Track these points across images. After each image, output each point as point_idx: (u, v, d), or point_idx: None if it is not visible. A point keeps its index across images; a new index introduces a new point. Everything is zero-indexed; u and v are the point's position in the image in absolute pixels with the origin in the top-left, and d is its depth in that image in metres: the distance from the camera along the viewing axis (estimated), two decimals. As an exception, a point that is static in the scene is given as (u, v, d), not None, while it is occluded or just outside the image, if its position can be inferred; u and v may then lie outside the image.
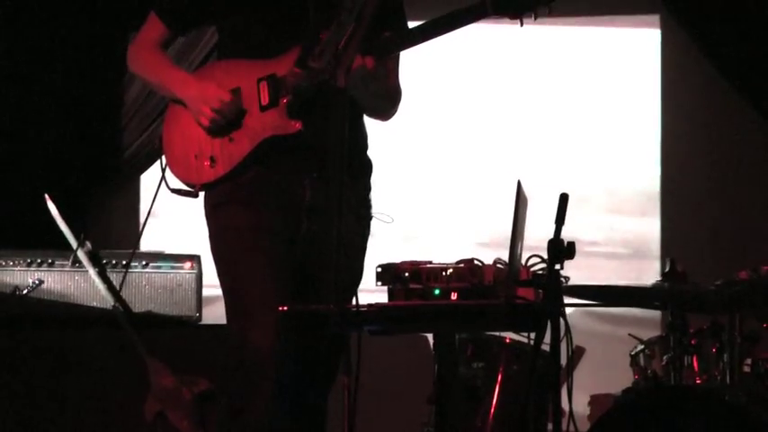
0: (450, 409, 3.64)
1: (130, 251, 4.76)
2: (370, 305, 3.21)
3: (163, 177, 3.65)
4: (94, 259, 4.64)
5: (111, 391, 4.33)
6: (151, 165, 6.29)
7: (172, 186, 3.65)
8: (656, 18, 6.33)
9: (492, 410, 4.15)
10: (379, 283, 3.33)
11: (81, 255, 4.64)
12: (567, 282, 3.22)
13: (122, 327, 4.24)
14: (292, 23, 3.54)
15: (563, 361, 3.27)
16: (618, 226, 6.38)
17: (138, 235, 5.66)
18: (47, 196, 4.62)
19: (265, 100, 3.53)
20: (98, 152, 6.48)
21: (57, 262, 4.92)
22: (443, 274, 3.28)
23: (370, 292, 3.33)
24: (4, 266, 4.95)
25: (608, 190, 6.38)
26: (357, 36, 3.38)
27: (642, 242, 6.34)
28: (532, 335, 3.40)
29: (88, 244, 4.67)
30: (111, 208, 6.56)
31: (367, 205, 3.67)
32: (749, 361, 4.16)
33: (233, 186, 3.56)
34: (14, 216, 6.01)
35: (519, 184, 3.27)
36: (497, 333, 4.23)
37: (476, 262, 3.31)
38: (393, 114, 3.73)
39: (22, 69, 6.38)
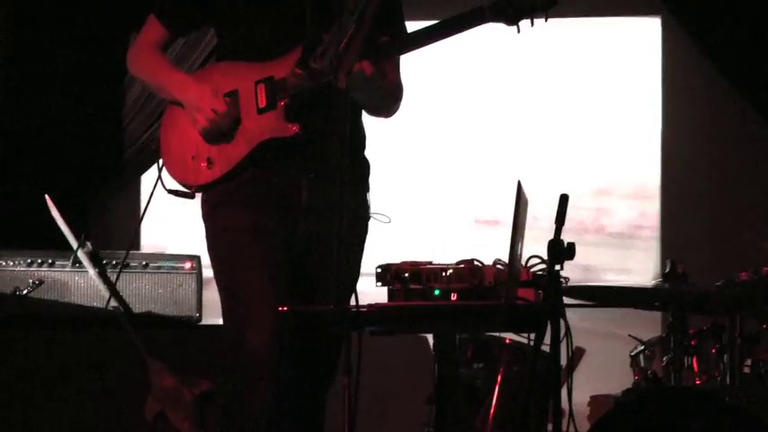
0: (451, 409, 3.64)
1: (125, 251, 4.76)
2: (370, 306, 3.21)
3: (159, 178, 3.66)
4: (95, 259, 4.64)
5: (112, 391, 4.32)
6: (152, 165, 6.29)
7: (168, 187, 3.66)
8: (656, 19, 6.33)
9: (492, 411, 4.15)
10: (379, 284, 3.33)
11: (81, 255, 4.64)
12: (566, 282, 3.22)
13: (123, 327, 4.24)
14: (291, 26, 3.54)
15: (563, 361, 3.27)
16: (618, 226, 6.38)
17: (133, 234, 5.67)
18: (47, 196, 4.62)
19: (263, 103, 3.54)
20: (99, 153, 6.48)
21: (57, 262, 4.93)
22: (443, 274, 3.28)
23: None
24: (4, 266, 4.95)
25: (608, 190, 6.37)
26: (358, 37, 3.39)
27: (642, 243, 6.34)
28: (532, 335, 3.40)
29: (89, 244, 4.67)
30: (111, 208, 6.57)
31: (365, 206, 3.67)
32: (749, 362, 4.15)
33: (230, 187, 3.56)
34: (15, 216, 6.01)
35: (519, 184, 3.27)
36: (497, 334, 4.22)
37: (476, 263, 3.31)
38: (396, 111, 3.73)
39: (23, 70, 6.38)
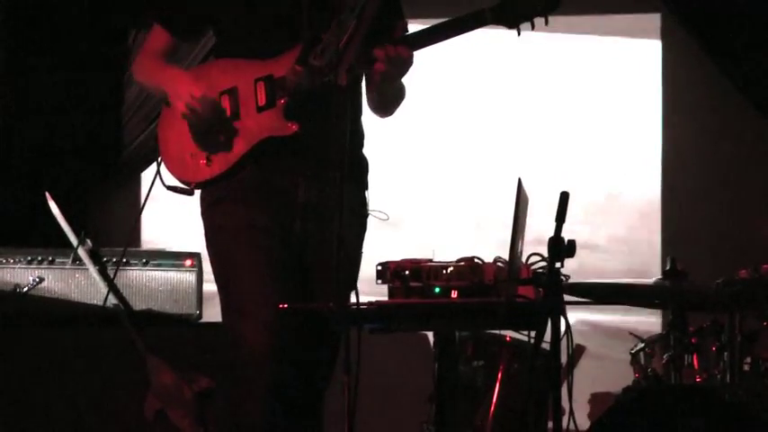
0: (451, 407, 3.64)
1: (125, 248, 4.76)
2: (370, 303, 3.21)
3: (158, 174, 3.65)
4: (95, 257, 4.64)
5: (112, 388, 4.33)
6: (152, 163, 6.28)
7: (167, 184, 3.65)
8: (656, 17, 6.33)
9: (492, 409, 4.15)
10: (380, 281, 3.33)
11: (81, 253, 4.64)
12: (567, 280, 3.22)
13: (123, 325, 4.24)
14: (290, 24, 3.54)
15: (563, 359, 3.27)
16: (618, 224, 6.38)
17: (133, 232, 5.67)
18: (47, 194, 4.63)
19: (262, 101, 3.53)
20: (99, 150, 6.48)
21: (57, 260, 4.93)
22: (444, 272, 3.28)
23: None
24: (4, 264, 4.95)
25: (608, 188, 6.37)
26: (358, 34, 3.39)
27: (643, 241, 6.33)
28: (533, 333, 3.40)
29: (89, 242, 4.67)
30: (111, 206, 6.56)
31: (363, 203, 3.67)
32: (749, 359, 4.15)
33: (228, 185, 3.56)
34: (15, 214, 6.01)
35: (520, 182, 3.27)
36: (498, 331, 4.23)
37: (476, 260, 3.31)
38: (396, 109, 3.74)
39: (23, 67, 6.38)
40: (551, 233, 3.11)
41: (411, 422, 4.34)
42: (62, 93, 6.39)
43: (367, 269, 3.56)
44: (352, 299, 3.20)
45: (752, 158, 6.15)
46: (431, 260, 3.34)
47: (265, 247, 3.51)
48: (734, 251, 5.88)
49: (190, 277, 4.98)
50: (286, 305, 3.40)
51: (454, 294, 3.27)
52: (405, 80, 3.65)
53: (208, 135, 3.53)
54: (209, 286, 4.77)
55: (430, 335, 3.73)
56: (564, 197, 3.13)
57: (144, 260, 4.99)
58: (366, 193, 3.69)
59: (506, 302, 3.20)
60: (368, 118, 3.72)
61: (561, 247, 3.12)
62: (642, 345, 4.51)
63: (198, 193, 3.65)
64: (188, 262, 5.00)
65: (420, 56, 3.50)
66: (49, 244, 4.92)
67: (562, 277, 3.16)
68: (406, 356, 5.38)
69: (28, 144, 6.35)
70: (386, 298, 3.35)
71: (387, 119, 3.76)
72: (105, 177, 6.52)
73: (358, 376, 3.05)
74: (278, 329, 3.43)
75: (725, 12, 5.98)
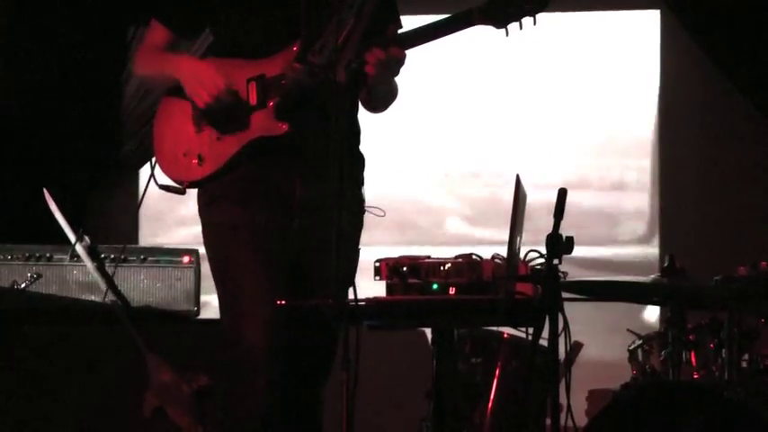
0: (449, 404, 3.64)
1: (122, 246, 4.75)
2: (368, 300, 3.21)
3: (152, 174, 3.66)
4: (93, 254, 4.64)
5: (110, 385, 4.32)
6: (150, 160, 6.29)
7: (161, 183, 3.66)
8: (655, 12, 6.33)
9: (490, 405, 4.15)
10: (378, 278, 3.33)
11: (79, 249, 4.64)
12: (565, 277, 3.22)
13: (121, 321, 4.24)
14: (284, 24, 3.54)
15: (561, 356, 3.27)
16: (616, 221, 6.38)
17: (131, 228, 5.67)
18: (45, 191, 4.62)
19: (253, 101, 3.54)
20: (97, 147, 6.47)
21: (55, 256, 4.91)
22: (442, 268, 3.28)
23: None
24: (2, 260, 4.94)
25: (607, 185, 6.37)
26: (357, 32, 3.39)
27: (641, 237, 6.34)
28: (531, 330, 3.40)
29: (87, 238, 4.67)
30: (109, 203, 6.56)
31: (359, 200, 3.67)
32: (747, 357, 4.15)
33: (224, 183, 3.56)
34: (13, 210, 6.01)
35: (518, 178, 3.27)
36: (496, 328, 4.22)
37: (474, 257, 3.31)
38: (389, 106, 3.74)
39: (21, 64, 6.37)
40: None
41: (409, 419, 4.34)
42: (61, 90, 6.39)
43: (365, 266, 3.56)
44: (350, 296, 3.21)
45: (750, 154, 6.15)
46: (429, 257, 3.34)
47: (263, 244, 3.52)
48: (732, 248, 5.88)
49: (188, 274, 4.97)
50: (284, 302, 3.40)
51: (452, 291, 3.26)
52: (402, 72, 3.65)
53: (224, 121, 3.54)
54: (207, 283, 4.78)
55: (428, 331, 3.73)
56: (562, 193, 3.13)
57: (142, 257, 4.98)
58: (363, 189, 3.69)
59: (505, 299, 3.20)
60: (363, 114, 3.72)
61: (559, 244, 3.12)
62: (640, 342, 4.51)
63: (194, 190, 3.66)
64: (186, 258, 4.98)
65: (417, 49, 3.49)
66: (47, 240, 4.91)
67: (560, 274, 3.16)
68: (405, 353, 5.38)
69: (26, 141, 6.35)
70: (384, 295, 3.35)
71: (382, 113, 3.76)
72: (103, 174, 6.52)
73: (356, 373, 3.05)
74: (276, 326, 3.43)
75: (723, 7, 5.98)
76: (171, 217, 6.25)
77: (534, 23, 3.33)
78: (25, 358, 4.36)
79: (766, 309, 4.17)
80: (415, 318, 3.42)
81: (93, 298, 4.78)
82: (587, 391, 5.08)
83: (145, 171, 6.49)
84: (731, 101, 6.10)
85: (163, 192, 3.69)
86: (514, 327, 4.02)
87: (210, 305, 4.94)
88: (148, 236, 6.46)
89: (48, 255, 4.91)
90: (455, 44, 3.49)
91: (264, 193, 3.55)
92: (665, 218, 6.28)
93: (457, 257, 3.32)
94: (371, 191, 3.71)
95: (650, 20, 6.34)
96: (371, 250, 3.59)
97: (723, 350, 4.12)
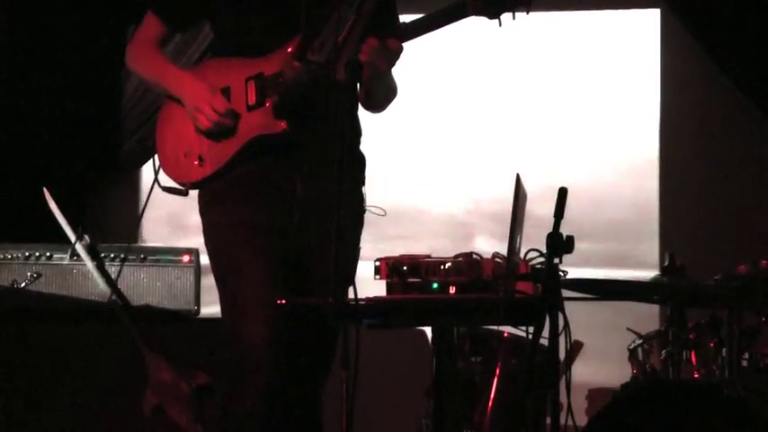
0: (449, 402, 3.63)
1: (125, 245, 4.76)
2: (368, 299, 3.21)
3: (156, 176, 3.67)
4: (93, 253, 4.64)
5: (109, 384, 4.32)
6: (149, 159, 6.28)
7: (164, 185, 3.66)
8: (656, 11, 6.33)
9: (490, 404, 4.15)
10: (378, 277, 3.33)
11: (79, 248, 4.64)
12: (565, 276, 3.21)
13: (120, 320, 4.24)
14: (284, 22, 3.54)
15: (561, 355, 3.27)
16: (616, 219, 6.38)
17: (131, 228, 5.67)
18: (45, 190, 4.62)
19: (252, 100, 3.54)
20: (97, 146, 6.47)
21: (55, 255, 4.92)
22: (442, 267, 3.28)
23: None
24: (2, 260, 4.95)
25: (607, 183, 6.37)
26: (356, 29, 3.39)
27: (641, 236, 6.33)
28: (531, 329, 3.40)
29: (86, 237, 4.67)
30: (109, 202, 6.56)
31: (361, 199, 3.67)
32: (747, 355, 4.15)
33: (225, 183, 3.57)
34: (13, 209, 6.01)
35: (518, 177, 3.27)
36: (496, 327, 4.22)
37: (474, 256, 3.31)
38: (388, 105, 3.74)
39: (21, 62, 6.37)
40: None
41: (409, 417, 4.34)
42: (60, 89, 6.38)
43: (365, 265, 3.56)
44: (350, 294, 3.20)
45: (750, 153, 6.15)
46: (429, 256, 3.34)
47: (263, 243, 3.52)
48: (733, 247, 5.88)
49: (188, 273, 4.98)
50: (284, 301, 3.40)
51: (452, 290, 3.26)
52: (402, 70, 3.65)
53: (222, 136, 3.57)
54: (208, 282, 4.78)
55: (428, 330, 3.73)
56: (562, 193, 3.13)
57: (142, 256, 4.98)
58: (363, 188, 3.69)
59: (504, 298, 3.19)
60: (362, 114, 3.72)
61: (560, 243, 3.11)
62: (640, 341, 4.51)
63: (195, 191, 3.66)
64: (186, 257, 4.99)
65: (417, 45, 3.49)
66: (47, 239, 4.91)
67: (560, 273, 3.16)
68: (405, 352, 5.37)
69: (25, 140, 6.34)
70: (384, 294, 3.35)
71: (381, 113, 3.76)
72: (103, 173, 6.52)
73: (356, 372, 3.04)
74: (276, 325, 3.43)
75: (723, 6, 5.98)
76: (171, 215, 6.24)
77: (527, 13, 3.32)
78: (25, 357, 4.35)
79: (766, 307, 4.17)
80: (415, 317, 3.42)
81: (92, 297, 4.78)
82: (587, 391, 5.07)
83: (145, 169, 6.49)
84: (731, 99, 6.10)
85: (165, 192, 3.70)
86: (514, 326, 4.02)
87: (210, 304, 4.95)
88: (149, 234, 6.46)
89: (47, 254, 4.92)
90: (455, 43, 3.48)
91: (265, 192, 3.55)
92: (665, 216, 6.27)
93: (457, 256, 3.31)
94: (374, 190, 3.71)
95: (650, 19, 6.33)
96: (372, 249, 3.58)
97: (723, 349, 4.12)
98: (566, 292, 3.40)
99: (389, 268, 3.29)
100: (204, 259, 4.09)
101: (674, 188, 6.28)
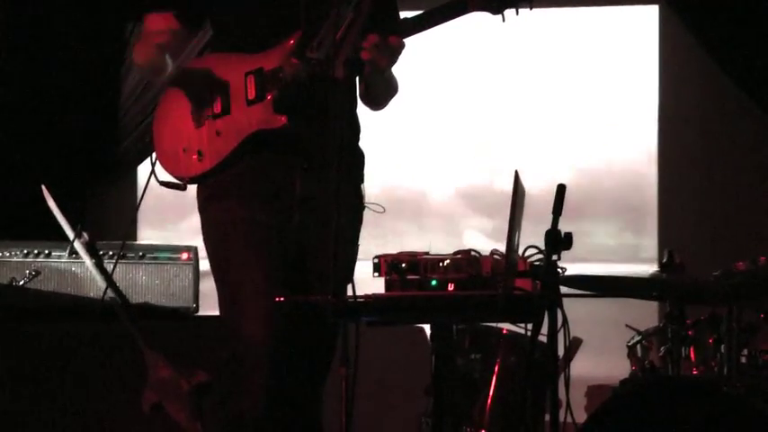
0: (448, 400, 3.63)
1: (121, 242, 4.75)
2: (367, 296, 3.21)
3: (153, 170, 3.66)
4: (91, 250, 4.63)
5: (108, 382, 4.32)
6: (148, 156, 6.27)
7: (161, 179, 3.66)
8: (654, 7, 6.33)
9: (489, 401, 4.15)
10: (377, 274, 3.33)
11: (78, 246, 4.62)
12: (563, 272, 3.21)
13: (119, 318, 4.23)
14: (284, 17, 3.54)
15: (560, 352, 3.27)
16: (616, 216, 6.38)
17: (129, 225, 5.67)
18: (44, 187, 4.61)
19: (252, 94, 3.53)
20: (95, 143, 6.47)
21: (54, 253, 4.92)
22: (440, 264, 3.27)
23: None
24: (1, 257, 4.95)
25: (606, 181, 6.37)
26: (355, 27, 3.38)
27: (640, 233, 6.34)
28: (530, 326, 3.40)
29: (85, 235, 4.66)
30: (108, 199, 6.56)
31: (360, 196, 3.67)
32: (746, 352, 4.15)
33: (224, 179, 3.56)
34: (12, 207, 6.01)
35: (516, 174, 3.26)
36: (495, 324, 4.22)
37: (473, 253, 3.30)
38: (389, 102, 3.73)
39: (20, 61, 6.37)
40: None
41: (409, 415, 4.34)
42: (59, 87, 6.38)
43: (363, 262, 3.56)
44: (350, 292, 3.20)
45: (750, 150, 6.15)
46: (427, 253, 3.34)
47: (262, 240, 3.51)
48: (732, 243, 5.89)
49: (186, 270, 4.98)
50: (283, 298, 3.40)
51: (451, 287, 3.26)
52: (402, 67, 3.65)
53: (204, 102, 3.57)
54: (206, 280, 4.77)
55: (427, 327, 3.73)
56: (560, 189, 3.13)
57: (140, 253, 4.98)
58: (362, 185, 3.69)
59: (503, 295, 3.19)
60: (362, 110, 3.72)
61: (558, 240, 3.11)
62: (639, 337, 4.51)
63: (193, 187, 3.66)
64: (184, 255, 4.99)
65: (417, 42, 3.49)
66: (45, 237, 4.91)
67: (559, 270, 3.16)
68: (404, 349, 5.37)
69: (24, 138, 6.34)
70: (383, 291, 3.35)
71: (382, 111, 3.76)
72: (102, 170, 6.52)
73: (356, 369, 3.04)
74: (275, 323, 3.43)
75: (722, 2, 5.98)
76: (170, 213, 6.24)
77: (530, 8, 3.31)
78: (23, 355, 4.35)
79: (765, 304, 4.17)
80: (414, 314, 3.41)
81: (91, 295, 4.78)
82: (586, 387, 5.08)
83: (143, 167, 6.49)
84: (730, 96, 6.10)
85: (162, 188, 3.69)
86: (513, 323, 4.02)
87: (209, 301, 4.95)
88: (147, 232, 6.46)
89: (46, 251, 4.92)
90: (454, 40, 3.48)
91: (264, 188, 3.55)
92: (664, 213, 6.27)
93: (456, 253, 3.31)
94: (373, 187, 3.71)
95: (649, 15, 6.34)
96: (371, 246, 3.58)
97: (722, 345, 4.12)
98: (564, 289, 3.40)
99: (388, 265, 3.29)
100: (204, 262, 4.10)
101: (673, 185, 6.28)
